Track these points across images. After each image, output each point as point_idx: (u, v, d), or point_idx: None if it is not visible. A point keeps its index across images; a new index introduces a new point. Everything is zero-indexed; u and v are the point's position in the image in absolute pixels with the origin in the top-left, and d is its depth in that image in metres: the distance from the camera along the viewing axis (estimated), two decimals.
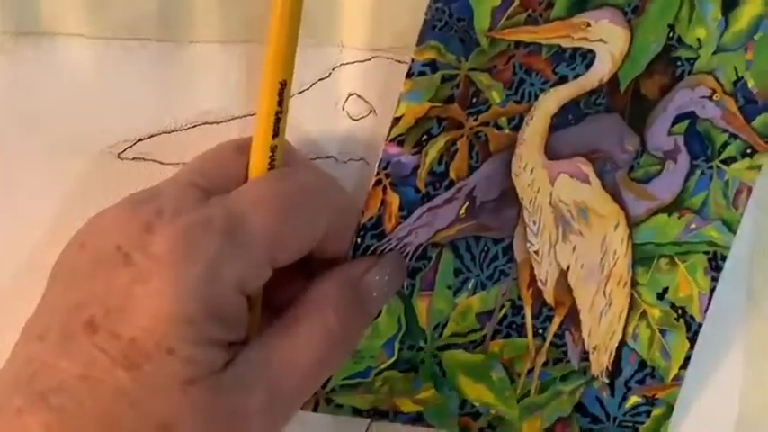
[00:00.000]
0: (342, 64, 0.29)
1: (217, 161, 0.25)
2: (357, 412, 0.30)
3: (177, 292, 0.21)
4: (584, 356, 0.32)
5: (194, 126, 0.28)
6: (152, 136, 0.28)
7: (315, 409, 0.29)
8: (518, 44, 0.28)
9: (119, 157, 0.28)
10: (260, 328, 0.25)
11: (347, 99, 0.29)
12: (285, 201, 0.24)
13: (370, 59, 0.29)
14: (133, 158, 0.28)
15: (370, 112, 0.29)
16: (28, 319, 0.23)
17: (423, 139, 0.28)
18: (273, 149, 0.25)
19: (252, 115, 0.28)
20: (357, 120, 0.29)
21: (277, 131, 0.25)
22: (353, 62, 0.29)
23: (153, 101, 0.28)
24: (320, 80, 0.29)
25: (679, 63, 0.30)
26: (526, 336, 0.31)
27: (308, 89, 0.29)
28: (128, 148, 0.28)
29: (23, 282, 0.27)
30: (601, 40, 0.28)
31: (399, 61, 0.29)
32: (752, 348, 0.36)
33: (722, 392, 0.35)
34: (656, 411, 0.33)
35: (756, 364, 0.36)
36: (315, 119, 0.29)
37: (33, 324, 0.23)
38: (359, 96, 0.29)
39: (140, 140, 0.28)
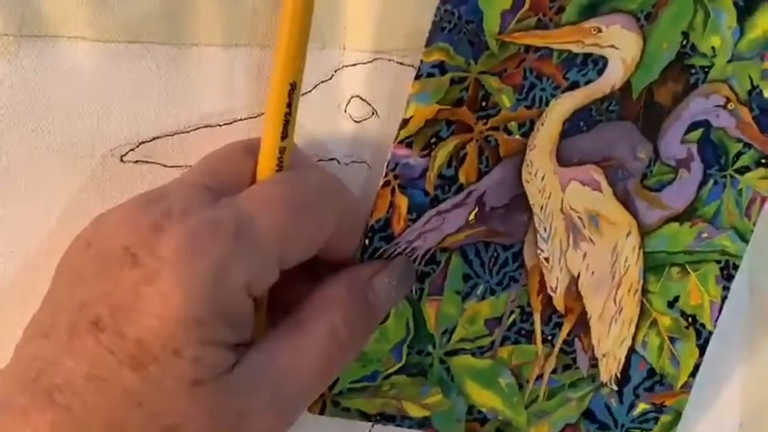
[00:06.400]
0: (344, 66, 0.29)
1: (225, 162, 0.25)
2: (364, 416, 0.30)
3: (184, 294, 0.21)
4: (594, 363, 0.31)
5: (197, 129, 0.28)
6: (155, 138, 0.28)
7: (322, 412, 0.29)
8: (528, 48, 0.27)
9: (122, 160, 0.27)
10: (266, 329, 0.25)
11: (349, 101, 0.29)
12: (294, 203, 0.24)
13: (372, 61, 0.29)
14: (136, 161, 0.28)
15: (373, 114, 0.29)
16: (32, 316, 0.23)
17: (431, 141, 0.27)
18: (282, 151, 0.25)
19: (254, 117, 0.28)
20: (359, 122, 0.29)
21: (286, 133, 0.25)
22: (356, 64, 0.29)
23: (156, 103, 0.27)
24: (322, 82, 0.29)
25: (693, 71, 0.29)
26: (535, 342, 0.31)
27: (310, 91, 0.28)
28: (130, 150, 0.28)
29: (25, 283, 0.27)
30: (613, 46, 0.28)
31: (402, 63, 0.29)
32: (754, 349, 0.35)
33: (725, 394, 0.35)
34: (664, 418, 0.32)
35: (759, 364, 0.35)
36: (317, 121, 0.29)
37: (38, 322, 0.23)
38: (361, 98, 0.29)
39: (143, 143, 0.28)
